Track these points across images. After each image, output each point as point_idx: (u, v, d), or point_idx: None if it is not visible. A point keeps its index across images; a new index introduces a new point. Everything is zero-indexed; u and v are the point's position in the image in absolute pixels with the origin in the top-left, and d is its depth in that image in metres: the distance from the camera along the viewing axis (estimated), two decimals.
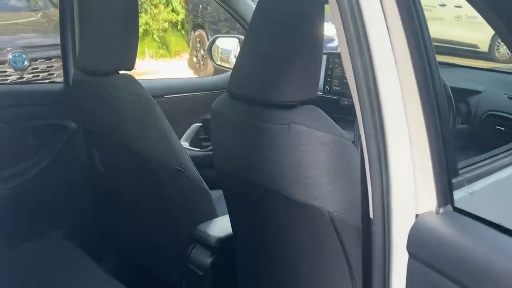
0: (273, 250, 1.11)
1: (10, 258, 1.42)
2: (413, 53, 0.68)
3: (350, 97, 1.82)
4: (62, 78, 1.78)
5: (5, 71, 3.97)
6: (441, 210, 0.70)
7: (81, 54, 1.43)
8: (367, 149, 0.71)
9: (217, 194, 1.50)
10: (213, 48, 2.39)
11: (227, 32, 6.50)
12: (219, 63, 2.42)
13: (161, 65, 7.17)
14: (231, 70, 2.28)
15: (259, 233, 1.14)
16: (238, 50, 2.32)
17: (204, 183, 1.37)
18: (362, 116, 0.71)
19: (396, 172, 0.70)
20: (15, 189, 1.64)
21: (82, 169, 1.75)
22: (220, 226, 1.32)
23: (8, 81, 3.97)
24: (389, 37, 0.69)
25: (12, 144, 1.63)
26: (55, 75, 4.09)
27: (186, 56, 7.70)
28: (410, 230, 0.70)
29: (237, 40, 2.31)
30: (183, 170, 1.32)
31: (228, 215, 1.25)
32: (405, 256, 0.71)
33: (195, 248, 1.30)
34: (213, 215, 1.38)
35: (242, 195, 1.14)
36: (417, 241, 0.70)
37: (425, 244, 0.69)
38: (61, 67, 1.77)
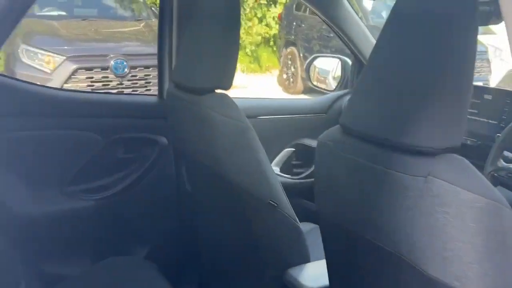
0: None
1: (90, 274, 1.38)
2: None
3: (473, 136, 1.55)
4: (158, 91, 1.74)
5: (107, 77, 4.18)
6: None
7: (176, 68, 1.36)
8: None
9: (306, 228, 1.36)
10: (311, 68, 2.26)
11: (318, 51, 6.41)
12: (315, 83, 2.27)
13: (251, 80, 7.20)
14: (328, 93, 2.17)
15: None
16: (339, 71, 2.17)
17: (298, 221, 1.22)
18: None
19: None
20: (101, 202, 1.61)
21: (170, 186, 1.69)
22: (315, 274, 1.16)
23: (109, 86, 4.18)
24: None
25: (102, 155, 1.61)
26: (151, 84, 4.23)
27: (276, 72, 7.68)
28: None
29: (338, 61, 2.15)
30: (276, 205, 1.18)
31: (323, 260, 1.09)
32: None
33: None
34: (306, 259, 1.23)
35: (348, 249, 0.96)
36: None
37: None
38: (158, 66, 1.73)
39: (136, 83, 4.26)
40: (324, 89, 2.19)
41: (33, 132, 1.51)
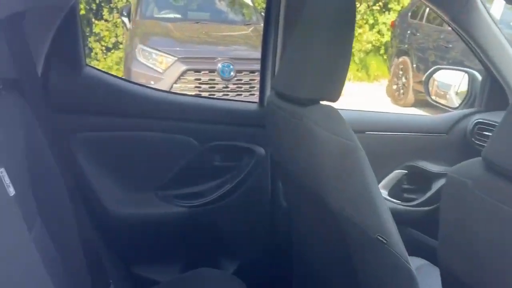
0: None
1: (179, 282, 1.33)
2: None
3: None
4: (258, 98, 1.64)
5: (214, 79, 4.26)
6: None
7: (279, 75, 1.24)
8: None
9: (415, 264, 1.21)
10: (430, 80, 2.00)
11: (434, 62, 6.03)
12: (434, 98, 2.01)
13: (357, 89, 6.92)
14: (450, 110, 1.89)
15: None
16: (464, 86, 1.89)
17: (410, 263, 1.03)
18: None
19: None
20: (194, 209, 1.56)
21: (264, 200, 1.58)
22: None
23: (215, 89, 4.25)
24: None
25: (198, 161, 1.56)
26: (255, 89, 4.21)
27: (384, 82, 7.30)
28: None
29: (465, 75, 1.87)
30: (385, 241, 1.00)
31: None
32: None
33: None
34: None
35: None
36: None
37: None
38: (260, 72, 1.64)
39: (241, 87, 4.27)
40: (445, 106, 1.92)
41: (132, 133, 1.51)
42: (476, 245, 0.72)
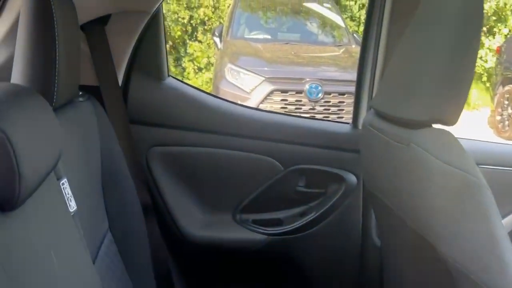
0: None
1: None
2: None
3: None
4: (351, 119, 1.47)
5: (301, 100, 4.14)
6: None
7: (381, 92, 1.07)
8: None
9: None
10: None
11: None
12: None
13: None
14: None
15: None
16: None
17: None
18: None
19: None
20: (272, 238, 1.42)
21: (353, 235, 1.41)
22: None
23: (301, 110, 4.13)
24: None
25: (280, 185, 1.42)
26: (344, 111, 4.03)
27: (485, 111, 6.73)
28: None
29: None
30: None
31: None
32: None
33: None
34: None
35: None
36: None
37: None
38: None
39: (329, 109, 4.11)
40: None
41: (212, 150, 1.41)
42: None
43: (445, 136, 0.85)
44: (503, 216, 1.44)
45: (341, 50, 4.78)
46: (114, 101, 1.18)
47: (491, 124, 6.16)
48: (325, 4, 5.43)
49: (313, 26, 5.47)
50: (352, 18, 7.03)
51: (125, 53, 1.27)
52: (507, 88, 6.09)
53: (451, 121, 0.86)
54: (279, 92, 4.13)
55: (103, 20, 1.17)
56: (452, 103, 0.86)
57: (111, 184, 1.05)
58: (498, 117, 6.04)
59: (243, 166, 1.43)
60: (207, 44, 6.89)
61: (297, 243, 1.42)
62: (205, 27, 6.96)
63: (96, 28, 1.16)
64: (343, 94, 4.05)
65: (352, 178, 1.40)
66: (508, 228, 1.43)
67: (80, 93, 1.01)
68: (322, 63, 4.66)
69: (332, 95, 4.11)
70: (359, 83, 1.45)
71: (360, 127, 1.41)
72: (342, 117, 4.03)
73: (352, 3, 7.14)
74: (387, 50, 1.37)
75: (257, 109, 1.59)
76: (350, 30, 5.71)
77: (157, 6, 1.25)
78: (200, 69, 6.89)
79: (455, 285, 0.85)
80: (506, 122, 5.91)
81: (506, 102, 6.03)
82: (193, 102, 1.43)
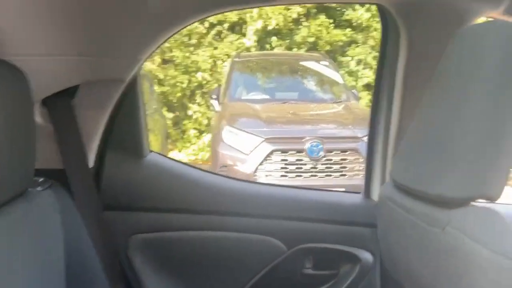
0: None
1: None
2: None
3: None
4: (363, 188, 1.34)
5: (301, 159, 4.04)
6: None
7: (400, 160, 0.93)
8: None
9: None
10: None
11: None
12: None
13: None
14: None
15: None
16: None
17: None
18: None
19: None
20: None
21: None
22: None
23: (302, 169, 4.01)
24: None
25: (284, 269, 1.27)
26: (347, 169, 3.91)
27: None
28: None
29: None
30: None
31: None
32: None
33: None
34: None
35: None
36: None
37: None
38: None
39: (331, 167, 3.99)
40: None
41: (201, 233, 1.27)
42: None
43: (492, 217, 0.70)
44: None
45: (341, 107, 4.74)
46: (83, 185, 1.05)
47: None
48: (322, 62, 5.48)
49: (311, 84, 5.49)
50: (349, 74, 7.09)
51: (96, 128, 1.14)
52: None
53: (496, 196, 0.72)
54: (279, 152, 4.03)
55: (69, 92, 1.05)
56: (494, 173, 0.72)
57: (77, 281, 0.92)
58: None
59: (240, 249, 1.27)
60: (207, 106, 6.93)
61: None
62: (203, 90, 7.03)
63: (60, 102, 1.04)
64: (345, 151, 3.95)
65: (368, 257, 1.25)
66: None
67: (41, 179, 0.90)
68: (321, 121, 4.60)
69: (333, 152, 4.00)
70: (371, 147, 1.31)
71: (373, 197, 1.27)
72: (345, 175, 3.90)
73: (349, 58, 7.23)
74: (401, 111, 1.23)
75: (253, 182, 1.45)
76: (349, 86, 5.72)
77: (133, 73, 1.13)
78: (201, 132, 6.88)
79: None
80: None
81: None
82: (179, 179, 1.29)
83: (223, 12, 1.17)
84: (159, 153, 1.36)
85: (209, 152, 6.02)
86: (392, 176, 0.94)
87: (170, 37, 1.12)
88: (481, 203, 0.74)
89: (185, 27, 1.12)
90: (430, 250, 0.78)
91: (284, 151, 4.03)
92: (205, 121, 6.90)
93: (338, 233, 1.27)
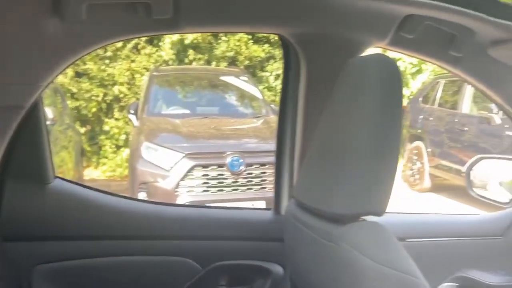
0: None
1: None
2: None
3: None
4: (273, 204, 1.40)
5: (223, 174, 4.07)
6: None
7: (301, 180, 1.01)
8: None
9: None
10: (471, 172, 1.75)
11: (448, 145, 5.89)
12: (476, 191, 1.75)
13: None
14: (499, 205, 1.62)
15: None
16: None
17: None
18: None
19: None
20: None
21: None
22: None
23: (224, 184, 4.05)
24: None
25: (199, 287, 1.27)
26: (267, 182, 4.01)
27: (399, 167, 7.13)
28: None
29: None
30: None
31: None
32: None
33: None
34: None
35: None
36: None
37: None
38: (274, 173, 1.40)
39: (251, 181, 4.08)
40: (493, 201, 1.65)
41: (112, 259, 1.24)
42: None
43: (378, 231, 0.79)
44: (436, 284, 1.41)
45: (260, 121, 4.86)
46: None
47: (404, 178, 6.50)
48: (241, 77, 5.59)
49: (231, 99, 5.56)
50: (269, 89, 7.30)
51: None
52: (414, 144, 6.56)
53: (381, 211, 0.81)
54: (200, 168, 4.03)
55: None
56: (379, 191, 0.81)
57: None
58: (409, 172, 6.44)
59: (155, 272, 1.26)
60: (125, 121, 6.73)
61: None
62: (121, 103, 6.82)
63: None
64: (264, 165, 4.06)
65: (279, 269, 1.31)
66: None
67: None
68: (242, 135, 4.68)
69: (254, 166, 4.10)
70: (278, 166, 1.38)
71: (282, 212, 1.33)
72: (265, 187, 4.00)
73: (267, 73, 7.45)
74: (304, 132, 1.31)
75: (164, 203, 1.44)
76: (268, 101, 5.88)
77: (33, 99, 1.08)
78: (118, 147, 6.64)
79: None
80: (417, 176, 6.30)
81: (415, 157, 6.46)
82: (87, 205, 1.26)
83: (128, 39, 1.18)
84: (65, 179, 1.31)
85: (127, 168, 5.84)
86: (294, 194, 1.00)
87: (73, 63, 1.11)
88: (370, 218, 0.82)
89: (88, 53, 1.11)
90: (328, 263, 0.85)
91: (205, 166, 4.04)
92: (123, 137, 6.69)
93: (250, 248, 1.32)
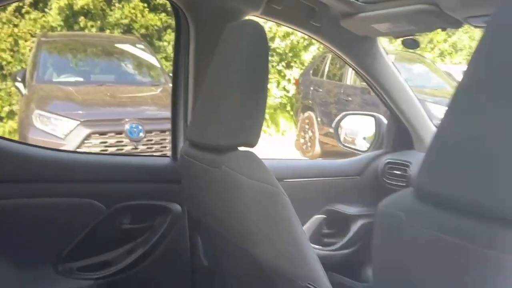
0: None
1: None
2: None
3: None
4: (171, 152, 1.54)
5: (122, 141, 4.06)
6: None
7: (193, 124, 1.17)
8: None
9: None
10: (339, 127, 2.06)
11: (336, 115, 6.32)
12: (344, 143, 2.07)
13: (268, 143, 7.09)
14: (360, 153, 1.95)
15: None
16: (371, 130, 1.96)
17: None
18: None
19: None
20: (103, 280, 1.36)
21: (183, 261, 1.45)
22: None
23: (123, 151, 4.05)
24: None
25: (105, 226, 1.39)
26: (167, 148, 4.09)
27: (293, 135, 7.59)
28: None
29: (371, 119, 1.94)
30: None
31: None
32: None
33: None
34: None
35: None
36: None
37: None
38: (171, 125, 1.54)
39: (152, 148, 4.13)
40: (355, 149, 1.97)
41: (20, 200, 1.29)
42: (414, 278, 0.67)
43: (251, 157, 0.98)
44: (304, 222, 1.67)
45: (159, 90, 4.87)
46: None
47: (297, 146, 6.95)
48: (137, 45, 5.49)
49: (128, 67, 5.46)
50: (167, 59, 7.24)
51: None
52: (306, 114, 6.98)
53: (253, 143, 1.00)
54: (98, 135, 3.98)
55: None
56: (251, 128, 0.99)
57: None
58: (302, 140, 6.88)
59: (61, 213, 1.34)
60: (8, 92, 6.24)
61: (130, 282, 1.40)
62: (4, 72, 6.30)
63: None
64: (164, 131, 4.13)
65: (177, 208, 1.45)
66: (309, 232, 1.67)
67: None
68: (140, 103, 4.66)
69: (154, 133, 4.14)
70: (174, 117, 1.52)
71: (179, 158, 1.48)
72: (165, 154, 4.08)
73: (165, 43, 7.37)
74: (195, 85, 1.47)
75: (67, 151, 1.48)
76: (166, 70, 5.87)
77: None
78: (0, 118, 6.17)
79: (272, 284, 0.97)
80: (309, 144, 6.75)
81: (307, 127, 6.90)
82: None
83: None
84: None
85: (15, 138, 5.48)
86: (187, 136, 1.17)
87: None
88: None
89: None
90: (215, 187, 1.02)
91: (102, 134, 3.99)
92: (7, 108, 6.21)
93: (151, 190, 1.45)
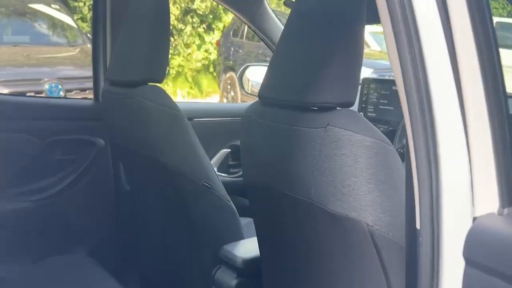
0: (305, 269, 1.01)
1: (32, 273, 1.39)
2: (480, 47, 0.60)
3: (385, 123, 1.72)
4: (93, 94, 1.79)
5: None
6: (506, 211, 0.61)
7: (111, 66, 1.44)
8: (414, 146, 0.63)
9: (244, 222, 1.43)
10: (244, 78, 2.39)
11: None
12: (248, 91, 2.41)
13: None
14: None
15: (288, 251, 1.05)
16: None
17: (231, 202, 1.31)
18: (408, 110, 0.64)
19: (449, 171, 0.62)
20: (39, 203, 1.61)
21: (108, 187, 1.72)
22: (247, 248, 1.24)
23: None
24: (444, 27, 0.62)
25: (38, 157, 1.62)
26: None
27: (216, 97, 7.81)
28: (468, 234, 0.61)
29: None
30: (210, 186, 1.26)
31: (256, 237, 1.17)
32: (461, 264, 0.61)
33: (220, 269, 1.22)
34: (240, 237, 1.31)
35: (271, 208, 1.05)
36: (477, 245, 0.60)
37: (488, 248, 0.60)
38: (92, 71, 1.78)
39: None
40: (257, 97, 2.31)
41: None
42: (262, 155, 1.02)
43: (156, 89, 1.27)
44: (213, 155, 2.00)
45: (77, 50, 4.87)
46: None
47: None
48: (52, 6, 5.37)
49: (43, 28, 5.34)
50: (83, 20, 7.08)
51: None
52: (228, 75, 7.15)
53: (160, 79, 1.29)
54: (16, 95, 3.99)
55: None
56: (158, 67, 1.28)
57: None
58: (225, 100, 7.08)
59: (1, 146, 1.55)
60: None
61: (62, 204, 1.64)
62: None
63: None
64: (84, 90, 4.21)
65: (101, 141, 1.70)
66: (217, 162, 2.00)
67: None
68: (58, 63, 4.66)
69: (74, 92, 4.22)
70: (95, 63, 1.74)
71: (100, 99, 1.72)
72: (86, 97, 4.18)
73: (81, 4, 7.17)
74: (112, 34, 1.71)
75: (7, 94, 1.69)
76: (84, 31, 5.80)
77: None
78: None
79: (177, 185, 1.28)
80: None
81: (229, 87, 7.12)
82: None
83: None
84: None
85: None
86: (107, 76, 1.43)
87: None
88: None
89: None
90: (130, 115, 1.31)
91: (21, 93, 4.00)
92: None
93: (78, 127, 1.69)
